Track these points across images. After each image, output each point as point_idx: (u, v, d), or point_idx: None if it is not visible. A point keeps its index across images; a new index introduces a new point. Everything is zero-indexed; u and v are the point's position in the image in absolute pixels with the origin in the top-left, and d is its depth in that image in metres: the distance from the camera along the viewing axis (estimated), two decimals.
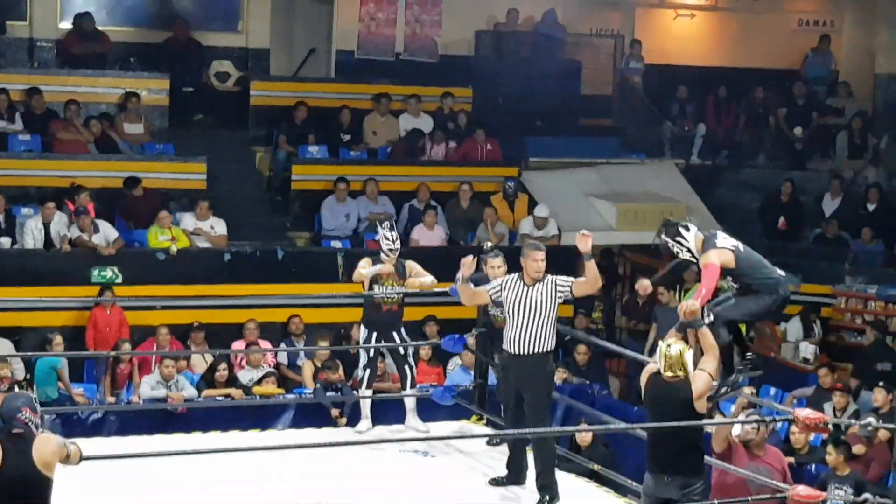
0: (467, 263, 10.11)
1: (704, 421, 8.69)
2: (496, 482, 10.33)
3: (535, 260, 9.86)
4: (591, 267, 9.70)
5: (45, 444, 6.87)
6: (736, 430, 9.59)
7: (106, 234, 15.61)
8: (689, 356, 8.40)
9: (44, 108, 17.34)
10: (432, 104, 19.27)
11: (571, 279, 9.85)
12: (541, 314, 9.77)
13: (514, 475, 10.30)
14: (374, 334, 11.99)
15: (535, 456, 10.01)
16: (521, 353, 9.82)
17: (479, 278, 11.59)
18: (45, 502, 6.86)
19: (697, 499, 8.41)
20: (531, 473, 10.18)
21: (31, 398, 7.10)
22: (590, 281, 9.81)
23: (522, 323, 9.80)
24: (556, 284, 9.82)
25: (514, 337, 9.86)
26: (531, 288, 9.84)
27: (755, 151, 20.86)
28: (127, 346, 14.30)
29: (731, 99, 21.12)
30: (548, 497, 9.87)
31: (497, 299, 10.10)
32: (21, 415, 6.90)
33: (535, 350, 9.80)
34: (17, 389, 12.74)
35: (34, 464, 6.78)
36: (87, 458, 7.08)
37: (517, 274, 9.94)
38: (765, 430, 9.65)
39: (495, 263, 11.39)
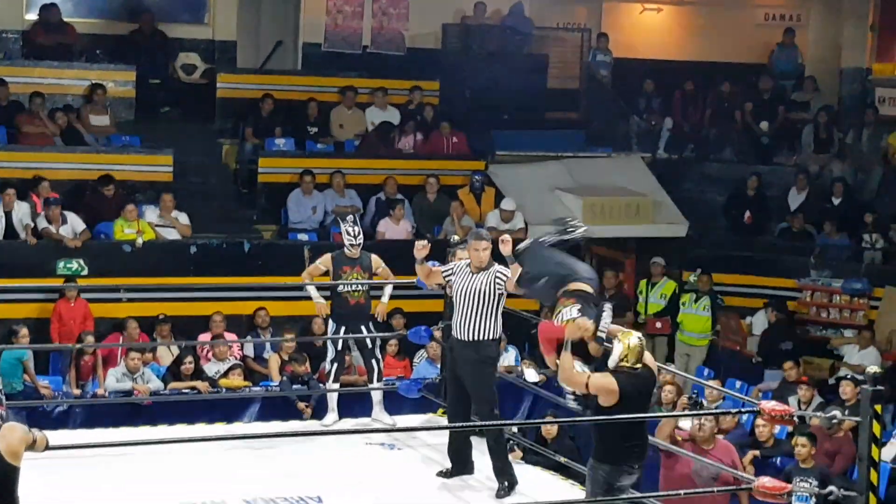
0: (420, 246, 10.28)
1: (658, 415, 8.73)
2: (444, 475, 10.31)
3: (476, 249, 9.91)
4: (514, 269, 9.69)
5: (11, 433, 6.85)
6: (684, 424, 9.66)
7: (73, 226, 15.56)
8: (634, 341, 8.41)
9: (8, 99, 17.25)
10: (399, 97, 19.27)
11: (508, 274, 9.82)
12: (483, 302, 9.83)
13: (461, 465, 10.27)
14: (343, 328, 11.99)
15: (487, 443, 10.02)
16: (464, 339, 9.89)
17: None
18: (12, 490, 6.83)
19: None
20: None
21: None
22: (512, 282, 9.82)
23: (466, 310, 9.88)
24: (495, 276, 9.86)
25: (458, 323, 9.94)
26: (475, 276, 9.91)
27: (721, 145, 20.93)
28: (91, 339, 14.24)
29: (697, 93, 21.18)
30: (506, 483, 9.89)
31: (448, 282, 10.20)
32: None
33: (477, 337, 9.85)
34: None
35: (1, 454, 6.76)
36: (53, 448, 7.06)
37: (467, 261, 10.01)
38: (711, 426, 9.71)
39: (462, 255, 11.42)
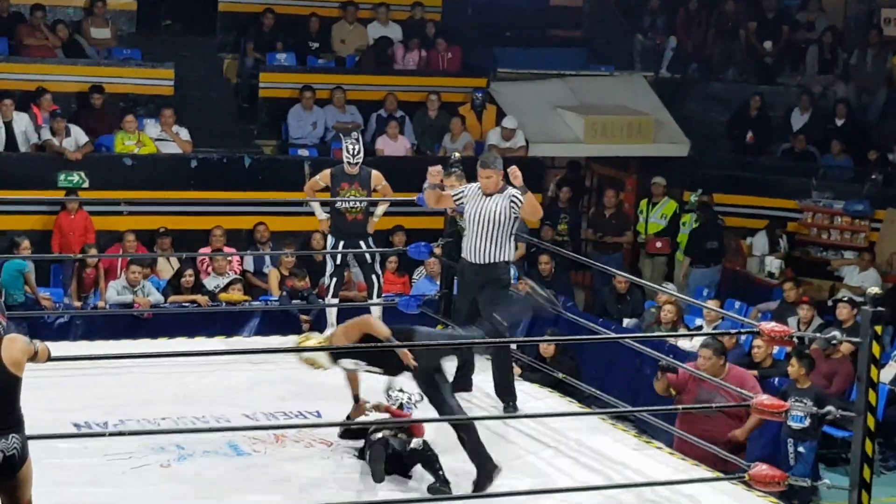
0: (434, 172, 10.16)
1: (658, 334, 8.72)
2: (509, 407, 10.09)
3: (481, 177, 9.78)
4: (527, 199, 9.64)
5: (13, 344, 6.88)
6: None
7: (77, 139, 15.54)
8: None
9: (9, 11, 17.16)
10: (401, 13, 19.16)
11: (523, 199, 9.70)
12: (497, 226, 9.69)
13: (462, 382, 10.20)
14: (341, 243, 12.01)
15: (493, 362, 10.02)
16: (477, 261, 9.78)
17: (441, 188, 11.65)
18: (15, 400, 6.88)
19: None
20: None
21: (1, 305, 7.09)
22: (527, 211, 9.76)
23: (478, 232, 9.74)
24: (510, 200, 9.68)
25: (471, 246, 9.82)
26: (489, 199, 9.73)
27: (725, 65, 20.84)
28: (93, 252, 14.27)
29: (701, 11, 21.05)
30: (511, 402, 9.91)
31: (459, 207, 10.08)
32: None
33: (490, 259, 9.75)
34: None
35: (3, 363, 6.80)
36: (54, 359, 7.09)
37: (478, 184, 9.86)
38: (711, 361, 9.70)
39: (449, 182, 11.45)
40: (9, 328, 7.26)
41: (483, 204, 9.72)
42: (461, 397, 9.77)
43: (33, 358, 6.95)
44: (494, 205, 9.69)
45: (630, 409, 9.09)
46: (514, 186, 9.64)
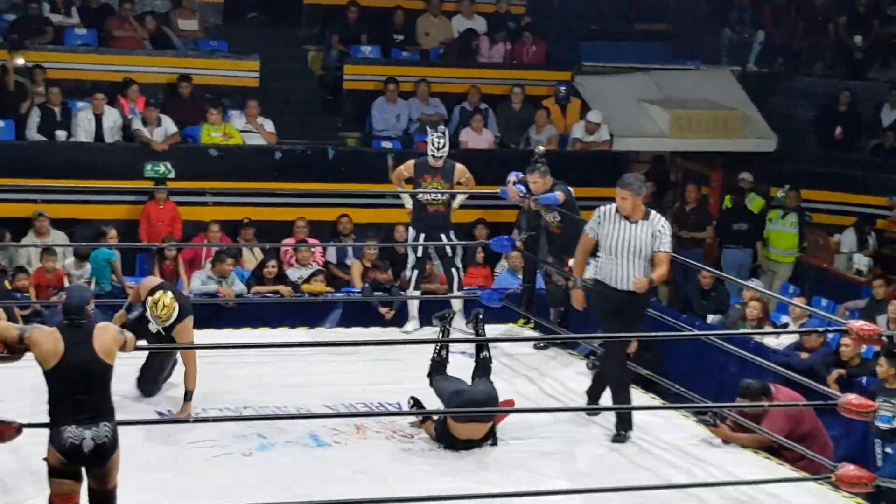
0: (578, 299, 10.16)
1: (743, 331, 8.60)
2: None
3: (617, 197, 9.30)
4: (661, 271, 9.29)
5: (105, 333, 6.98)
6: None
7: (166, 129, 15.68)
8: None
9: (99, 3, 17.36)
10: (487, 6, 19.12)
11: (667, 245, 9.25)
12: (643, 255, 9.24)
13: (593, 402, 9.92)
14: (422, 235, 12.02)
15: (608, 382, 9.64)
16: (625, 288, 9.28)
17: (524, 181, 11.62)
18: (106, 389, 6.97)
19: None
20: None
21: (92, 291, 7.19)
22: (658, 272, 9.29)
23: (626, 260, 9.25)
24: (658, 231, 9.23)
25: (616, 273, 9.30)
26: (634, 226, 9.27)
27: (813, 59, 20.60)
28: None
29: (790, 5, 20.82)
30: (623, 429, 9.46)
31: (591, 233, 9.50)
32: (88, 307, 7.01)
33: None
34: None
35: (96, 352, 6.88)
36: (139, 348, 7.18)
37: (613, 206, 9.34)
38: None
39: (532, 178, 11.41)
40: (95, 316, 7.34)
41: (629, 230, 9.28)
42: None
43: (123, 347, 7.04)
44: (644, 234, 9.26)
45: (715, 405, 8.97)
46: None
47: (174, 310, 9.25)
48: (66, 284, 13.02)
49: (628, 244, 9.26)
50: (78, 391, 6.83)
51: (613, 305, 9.33)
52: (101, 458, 6.89)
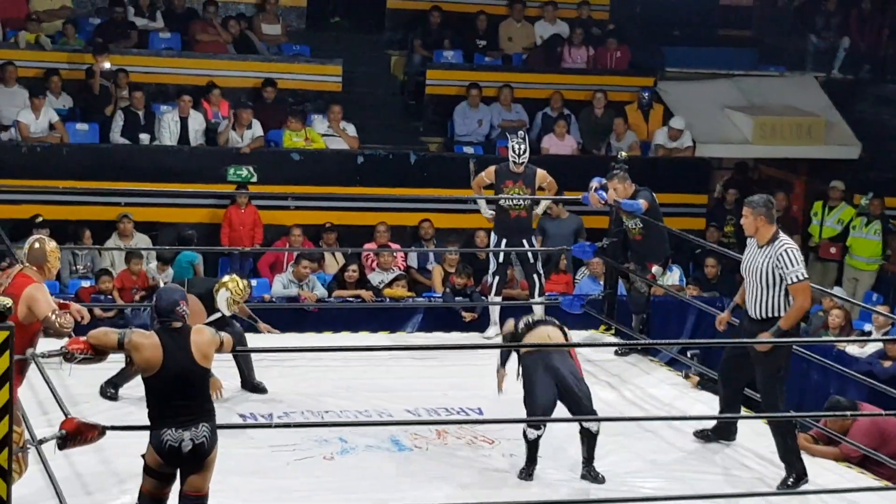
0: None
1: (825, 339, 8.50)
2: (701, 435, 9.58)
3: (742, 216, 9.03)
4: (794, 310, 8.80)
5: (201, 336, 7.02)
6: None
7: (255, 132, 15.79)
8: None
9: (184, 7, 17.52)
10: (569, 11, 19.08)
11: (795, 274, 8.71)
12: (766, 281, 8.78)
13: (724, 431, 9.58)
14: (504, 241, 12.02)
15: (773, 431, 9.02)
16: (752, 315, 8.93)
17: (605, 188, 11.60)
18: (205, 391, 7.03)
19: None
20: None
21: (183, 292, 7.21)
22: (790, 317, 8.81)
23: (751, 284, 8.90)
24: (777, 259, 8.77)
25: (748, 297, 8.96)
26: (759, 251, 8.89)
27: None
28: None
29: (875, 12, 20.59)
30: (794, 476, 8.89)
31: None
32: (179, 308, 7.03)
33: (764, 315, 8.84)
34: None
35: (193, 358, 6.93)
36: (238, 352, 7.25)
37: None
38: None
39: (612, 184, 11.38)
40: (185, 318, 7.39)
41: (755, 254, 8.91)
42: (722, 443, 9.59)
43: (220, 349, 7.09)
44: (764, 259, 8.84)
45: (798, 415, 8.90)
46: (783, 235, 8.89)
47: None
48: (160, 285, 13.11)
49: (752, 269, 8.87)
50: (177, 396, 6.89)
51: (746, 335, 8.94)
52: (199, 458, 6.96)
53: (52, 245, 7.75)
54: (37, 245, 7.71)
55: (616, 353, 11.55)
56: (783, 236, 8.89)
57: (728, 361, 9.33)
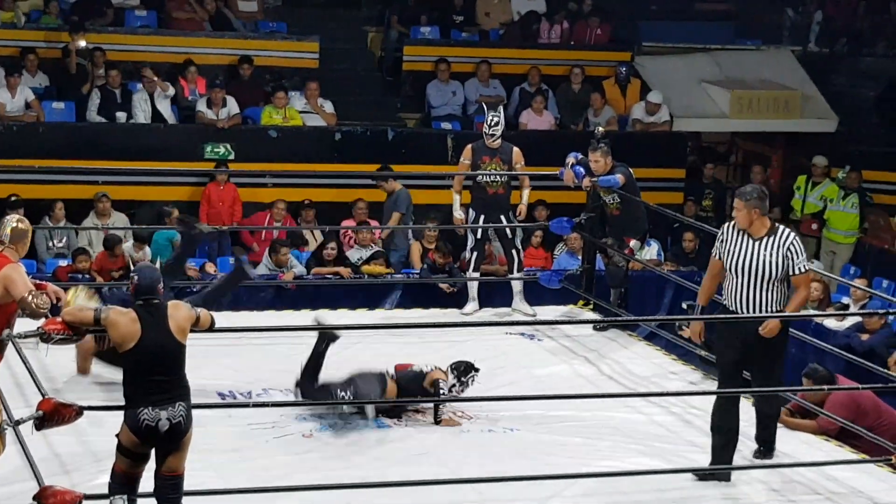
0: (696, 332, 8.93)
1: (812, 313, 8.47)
2: (759, 453, 8.91)
3: (734, 210, 8.52)
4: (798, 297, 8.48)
5: (178, 311, 7.04)
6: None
7: (230, 110, 15.75)
8: None
9: None
10: None
11: (801, 265, 8.37)
12: (770, 276, 8.36)
13: (766, 446, 8.94)
14: (482, 217, 12.04)
15: (762, 416, 8.90)
16: (744, 313, 8.46)
17: (583, 162, 11.62)
18: (181, 368, 7.03)
19: None
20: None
21: (159, 270, 7.25)
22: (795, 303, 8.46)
23: (747, 283, 8.40)
24: (788, 251, 8.36)
25: (738, 296, 8.47)
26: (757, 243, 8.40)
27: (875, 39, 20.39)
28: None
29: None
30: (764, 448, 8.89)
31: (719, 257, 8.56)
32: (160, 286, 7.06)
33: (763, 311, 8.41)
34: None
35: (171, 332, 6.94)
36: (217, 330, 7.25)
37: (734, 222, 8.50)
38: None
39: (594, 157, 11.41)
40: (166, 296, 7.40)
41: (751, 248, 8.41)
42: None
43: (196, 324, 7.09)
44: (768, 252, 8.38)
45: (780, 388, 8.90)
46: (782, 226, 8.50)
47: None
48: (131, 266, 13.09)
49: (752, 264, 8.38)
50: (155, 372, 6.89)
51: (742, 336, 8.43)
52: (176, 438, 6.96)
53: (26, 224, 7.76)
54: (20, 225, 7.70)
55: (594, 328, 11.58)
56: (782, 226, 8.51)
57: (726, 368, 8.65)
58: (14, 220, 7.78)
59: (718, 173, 18.51)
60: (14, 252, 7.61)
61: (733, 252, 8.43)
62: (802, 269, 8.39)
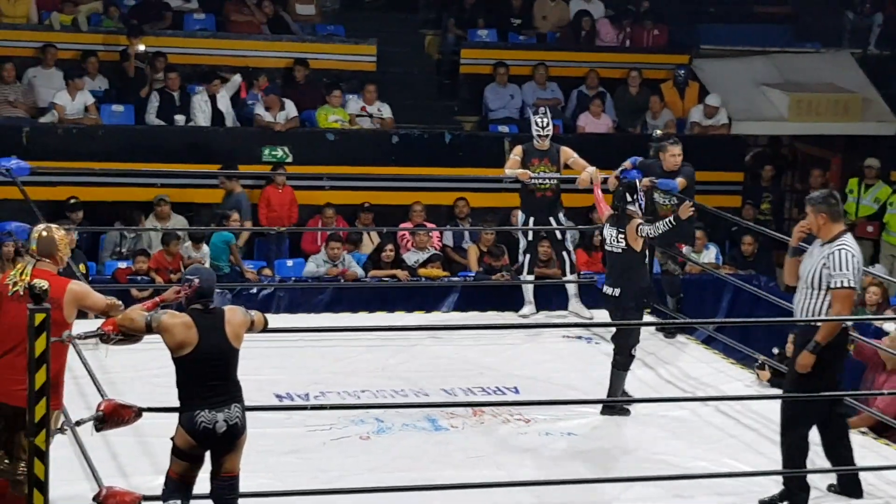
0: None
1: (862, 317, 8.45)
2: (833, 489, 8.49)
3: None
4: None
5: (234, 316, 7.03)
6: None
7: (288, 113, 15.80)
8: None
9: None
10: None
11: (840, 280, 7.89)
12: (810, 284, 8.02)
13: (851, 487, 8.48)
14: (532, 219, 12.06)
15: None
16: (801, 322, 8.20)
17: (651, 164, 11.59)
18: (235, 370, 7.04)
19: None
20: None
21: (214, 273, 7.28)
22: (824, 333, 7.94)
23: (799, 290, 8.15)
24: (825, 261, 7.99)
25: (795, 302, 8.22)
26: (819, 249, 8.07)
27: None
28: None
29: None
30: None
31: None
32: (217, 290, 7.08)
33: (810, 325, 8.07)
34: None
35: (227, 338, 6.94)
36: (266, 331, 7.23)
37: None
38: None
39: (675, 151, 11.41)
40: (224, 298, 7.42)
41: (811, 255, 8.14)
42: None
43: (250, 328, 7.09)
44: (815, 260, 8.06)
45: (839, 394, 8.82)
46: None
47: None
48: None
49: (803, 270, 8.12)
50: (211, 377, 6.90)
51: (800, 344, 8.11)
52: (232, 439, 6.97)
53: (60, 233, 7.49)
54: (45, 234, 7.42)
55: (665, 335, 11.52)
56: (847, 237, 8.04)
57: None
58: (41, 228, 7.51)
59: (778, 177, 18.39)
60: (52, 264, 7.40)
61: (806, 255, 8.21)
62: (839, 284, 7.87)
